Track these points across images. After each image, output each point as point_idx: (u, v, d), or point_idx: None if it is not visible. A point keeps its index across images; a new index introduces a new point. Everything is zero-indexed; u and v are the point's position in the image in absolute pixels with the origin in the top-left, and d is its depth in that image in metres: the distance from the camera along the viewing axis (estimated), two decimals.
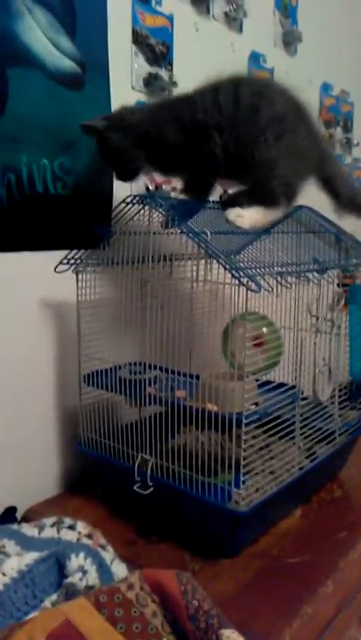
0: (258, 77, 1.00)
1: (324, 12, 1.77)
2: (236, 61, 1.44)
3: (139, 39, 1.16)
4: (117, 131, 0.93)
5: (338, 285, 1.01)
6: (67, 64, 1.01)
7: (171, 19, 1.22)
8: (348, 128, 2.00)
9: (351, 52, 1.98)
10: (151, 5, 1.18)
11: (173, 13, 1.23)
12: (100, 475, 1.08)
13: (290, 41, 1.60)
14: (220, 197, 1.10)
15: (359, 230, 1.15)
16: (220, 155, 0.94)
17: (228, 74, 0.96)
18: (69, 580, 0.65)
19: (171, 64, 1.23)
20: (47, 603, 0.64)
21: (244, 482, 0.82)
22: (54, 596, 0.65)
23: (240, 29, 1.43)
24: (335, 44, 1.87)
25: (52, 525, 0.80)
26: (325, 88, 1.85)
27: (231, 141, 0.93)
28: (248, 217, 0.91)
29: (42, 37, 0.97)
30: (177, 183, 1.15)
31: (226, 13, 1.37)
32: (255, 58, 1.49)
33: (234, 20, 1.40)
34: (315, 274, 0.92)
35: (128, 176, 0.99)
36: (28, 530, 0.79)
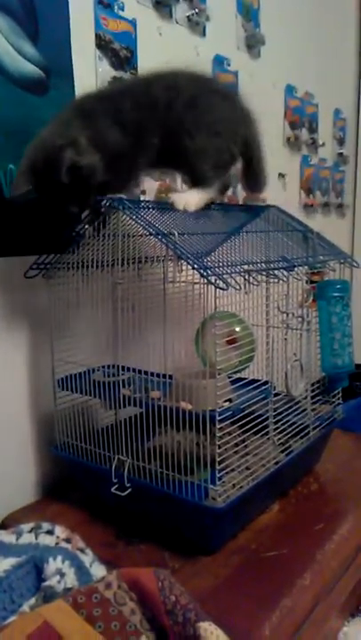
0: (167, 69, 1.00)
1: (286, 15, 1.80)
2: (200, 65, 1.45)
3: (102, 44, 1.16)
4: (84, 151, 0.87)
5: (306, 282, 1.02)
6: (30, 69, 1.01)
7: (134, 23, 1.23)
8: (313, 129, 2.04)
9: (314, 53, 2.01)
10: (114, 10, 1.19)
11: (136, 18, 1.24)
12: (78, 479, 1.07)
13: (253, 44, 1.63)
14: None
15: (325, 228, 1.17)
16: (154, 151, 0.96)
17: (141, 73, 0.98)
18: (47, 583, 0.65)
19: (135, 68, 1.24)
20: (25, 607, 0.63)
21: (220, 478, 0.83)
22: (32, 600, 0.64)
23: (203, 33, 1.45)
24: (298, 47, 1.90)
25: (30, 531, 0.79)
26: (290, 90, 1.88)
27: (163, 137, 0.95)
28: (192, 200, 0.96)
29: (3, 42, 0.96)
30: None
31: (189, 18, 1.39)
32: (219, 61, 1.51)
33: (197, 25, 1.41)
34: (283, 271, 0.93)
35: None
36: (6, 536, 0.78)
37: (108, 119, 0.91)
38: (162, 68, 0.99)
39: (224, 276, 0.77)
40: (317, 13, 2.02)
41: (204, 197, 0.98)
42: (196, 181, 0.98)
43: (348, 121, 2.32)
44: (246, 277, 0.83)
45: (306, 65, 1.97)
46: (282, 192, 1.87)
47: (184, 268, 0.87)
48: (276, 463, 0.96)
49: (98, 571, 0.74)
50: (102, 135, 0.90)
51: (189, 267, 0.82)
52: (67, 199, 0.87)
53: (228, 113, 1.01)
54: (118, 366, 0.98)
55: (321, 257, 1.06)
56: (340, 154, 2.28)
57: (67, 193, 0.86)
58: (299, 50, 1.91)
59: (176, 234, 0.84)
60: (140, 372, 1.01)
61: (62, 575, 0.66)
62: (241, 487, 0.87)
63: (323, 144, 2.09)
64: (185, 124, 0.95)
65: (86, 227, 0.97)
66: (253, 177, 1.09)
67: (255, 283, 0.83)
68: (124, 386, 0.97)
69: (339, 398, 1.15)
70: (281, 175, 1.87)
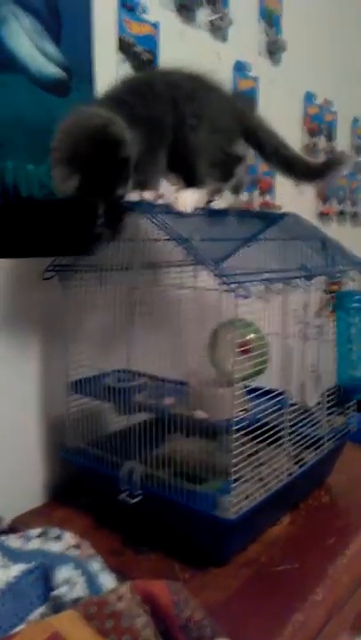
0: (162, 68, 0.99)
1: (308, 22, 1.79)
2: (221, 70, 1.44)
3: (124, 46, 1.16)
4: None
5: (325, 292, 1.01)
6: (52, 70, 1.00)
7: (156, 26, 1.23)
8: (331, 137, 2.02)
9: (334, 61, 2.00)
10: (137, 13, 1.18)
11: (159, 21, 1.23)
12: (87, 484, 1.06)
13: (274, 50, 1.62)
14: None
15: (340, 237, 1.16)
16: (166, 152, 0.94)
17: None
18: (56, 592, 0.64)
19: None
20: (35, 615, 0.62)
21: (233, 489, 0.82)
22: (42, 609, 0.63)
23: (225, 38, 1.44)
24: (319, 54, 1.89)
25: (39, 536, 0.78)
26: (309, 97, 1.87)
27: (171, 135, 0.93)
28: (190, 200, 0.93)
29: (27, 43, 0.96)
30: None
31: (211, 22, 1.38)
32: (240, 67, 1.51)
33: (219, 29, 1.41)
34: (303, 280, 0.92)
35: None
36: (14, 541, 0.77)
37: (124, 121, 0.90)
38: (157, 68, 0.99)
39: (245, 284, 0.76)
40: (339, 21, 2.01)
41: (200, 196, 0.96)
42: (191, 180, 0.95)
43: None
44: (266, 286, 0.81)
45: (326, 72, 1.96)
46: (298, 200, 1.85)
47: (202, 274, 0.86)
48: (290, 475, 0.94)
49: (107, 579, 0.73)
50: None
51: (207, 273, 0.81)
52: (115, 181, 0.83)
53: (227, 109, 0.99)
54: (132, 371, 0.97)
55: (340, 266, 1.05)
56: (358, 163, 2.26)
57: (114, 175, 0.82)
58: (319, 57, 1.90)
59: (196, 239, 0.83)
60: (153, 377, 1.00)
61: (72, 584, 0.65)
62: (253, 498, 0.85)
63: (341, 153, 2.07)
64: (187, 118, 0.92)
65: (104, 229, 0.97)
66: (285, 163, 1.06)
67: (276, 291, 0.81)
68: (137, 391, 0.95)
69: (353, 410, 1.14)
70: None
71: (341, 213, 2.16)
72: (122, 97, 0.92)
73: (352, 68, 2.13)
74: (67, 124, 0.84)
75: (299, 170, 1.07)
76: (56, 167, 0.82)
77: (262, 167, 1.64)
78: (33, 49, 0.98)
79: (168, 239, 0.89)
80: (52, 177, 0.82)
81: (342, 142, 2.10)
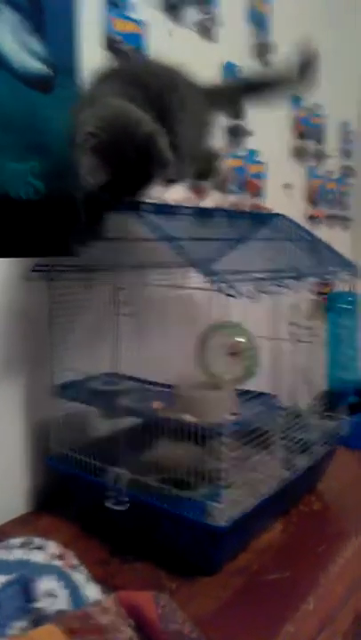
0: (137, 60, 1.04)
1: (297, 25, 1.79)
2: (209, 71, 1.43)
3: (110, 44, 1.14)
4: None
5: (316, 294, 0.99)
6: (36, 66, 0.98)
7: (144, 25, 1.21)
8: (320, 140, 2.02)
9: (323, 64, 1.99)
10: (124, 11, 1.16)
11: (147, 20, 1.21)
12: (73, 491, 1.03)
13: (263, 52, 1.61)
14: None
15: (333, 241, 1.14)
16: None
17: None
18: (38, 604, 0.61)
19: None
20: (14, 630, 0.59)
21: (223, 496, 0.79)
22: (22, 623, 0.60)
23: (214, 39, 1.42)
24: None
25: (21, 546, 0.75)
26: (297, 100, 1.86)
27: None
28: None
29: (9, 37, 0.94)
30: None
31: (200, 22, 1.37)
32: (229, 68, 1.49)
33: (208, 30, 1.39)
34: (293, 281, 0.90)
35: None
36: None
37: None
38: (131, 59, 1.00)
39: (234, 283, 0.74)
40: (328, 24, 2.00)
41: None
42: (177, 175, 0.93)
43: (355, 134, 2.30)
44: (256, 286, 0.79)
45: (315, 76, 1.95)
46: (288, 202, 1.85)
47: (190, 274, 0.84)
48: (281, 481, 0.92)
49: (91, 591, 0.70)
50: None
51: (196, 273, 0.79)
52: (141, 189, 0.82)
53: (201, 100, 0.99)
54: (119, 374, 0.94)
55: (330, 268, 1.03)
56: (347, 166, 2.26)
57: (144, 183, 0.81)
58: None
59: (184, 239, 0.81)
60: (141, 380, 0.98)
61: (54, 596, 0.62)
62: (244, 505, 0.83)
63: (330, 156, 2.07)
64: (173, 110, 0.90)
65: (87, 229, 0.94)
66: (263, 85, 1.13)
67: (266, 292, 0.79)
68: (123, 395, 0.93)
69: (345, 414, 1.12)
70: (287, 185, 1.85)
71: (331, 217, 2.16)
72: (127, 91, 0.88)
73: (341, 71, 2.13)
74: (108, 115, 0.80)
75: (279, 80, 1.14)
76: (88, 155, 0.77)
77: (251, 169, 1.63)
78: (16, 44, 0.95)
79: (156, 239, 0.87)
80: (79, 162, 0.77)
81: (331, 145, 2.10)
